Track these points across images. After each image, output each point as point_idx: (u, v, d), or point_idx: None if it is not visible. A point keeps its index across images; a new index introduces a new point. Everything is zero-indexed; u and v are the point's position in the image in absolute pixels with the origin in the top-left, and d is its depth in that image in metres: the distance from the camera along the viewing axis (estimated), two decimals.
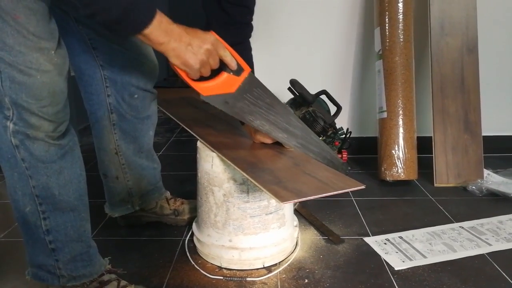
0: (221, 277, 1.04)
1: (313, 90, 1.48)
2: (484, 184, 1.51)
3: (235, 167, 0.94)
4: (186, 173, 1.74)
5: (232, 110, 0.96)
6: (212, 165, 1.04)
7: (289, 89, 1.47)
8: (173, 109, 1.37)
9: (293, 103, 1.51)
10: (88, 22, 1.01)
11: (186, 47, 0.83)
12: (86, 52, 1.05)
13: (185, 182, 1.63)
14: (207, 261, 1.11)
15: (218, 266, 1.09)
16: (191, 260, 1.12)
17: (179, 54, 0.83)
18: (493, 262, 1.09)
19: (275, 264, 1.10)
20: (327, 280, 1.03)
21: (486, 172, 1.59)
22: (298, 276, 1.05)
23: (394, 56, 1.56)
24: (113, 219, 1.29)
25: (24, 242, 0.92)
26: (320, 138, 1.51)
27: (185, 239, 1.22)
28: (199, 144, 1.10)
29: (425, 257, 1.11)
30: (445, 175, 1.57)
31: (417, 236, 1.22)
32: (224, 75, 0.92)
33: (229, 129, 1.20)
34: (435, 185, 1.57)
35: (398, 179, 1.56)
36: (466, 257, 1.11)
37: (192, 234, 1.19)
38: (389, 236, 1.22)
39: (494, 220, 1.30)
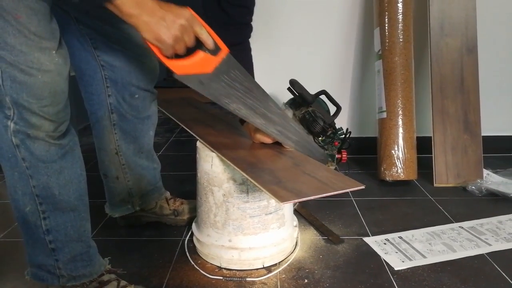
0: (221, 277, 1.04)
1: (312, 90, 1.48)
2: (483, 184, 1.51)
3: (235, 167, 0.94)
4: (185, 173, 1.74)
5: (207, 91, 0.90)
6: (211, 165, 1.04)
7: (288, 89, 1.48)
8: (173, 109, 1.37)
9: (292, 103, 1.51)
10: (89, 22, 1.01)
11: (158, 21, 0.79)
12: (86, 52, 1.05)
13: (185, 182, 1.63)
14: (206, 261, 1.11)
15: (218, 266, 1.09)
16: (191, 260, 1.12)
17: (151, 28, 0.79)
18: (492, 262, 1.09)
19: (275, 264, 1.10)
20: (326, 280, 1.03)
21: (485, 172, 1.59)
22: (298, 276, 1.05)
23: (393, 56, 1.56)
24: (113, 219, 1.29)
25: (24, 242, 0.92)
26: (320, 138, 1.51)
27: (185, 239, 1.22)
28: (198, 144, 1.10)
29: (424, 257, 1.11)
30: (444, 175, 1.58)
31: (417, 236, 1.22)
32: (200, 54, 0.87)
33: (228, 129, 1.20)
34: (435, 185, 1.57)
35: (398, 179, 1.56)
36: (466, 257, 1.11)
37: (192, 234, 1.19)
38: (389, 236, 1.22)
39: (494, 220, 1.31)
